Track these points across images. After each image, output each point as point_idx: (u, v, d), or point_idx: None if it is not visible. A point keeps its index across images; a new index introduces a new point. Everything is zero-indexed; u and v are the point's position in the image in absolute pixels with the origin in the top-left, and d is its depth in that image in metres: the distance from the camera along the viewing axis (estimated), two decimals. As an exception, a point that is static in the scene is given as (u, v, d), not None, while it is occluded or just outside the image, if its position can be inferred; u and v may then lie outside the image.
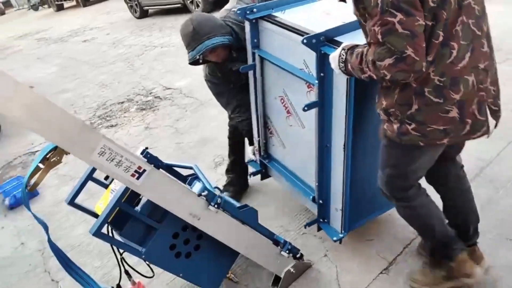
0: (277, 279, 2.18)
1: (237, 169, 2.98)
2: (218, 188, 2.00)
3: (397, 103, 1.52)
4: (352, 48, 1.54)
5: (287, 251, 2.09)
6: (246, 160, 2.88)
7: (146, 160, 1.77)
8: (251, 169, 2.80)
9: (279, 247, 2.09)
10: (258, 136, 2.56)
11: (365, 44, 1.49)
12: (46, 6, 20.18)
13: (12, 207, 3.76)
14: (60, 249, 1.86)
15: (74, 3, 18.07)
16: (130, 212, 1.76)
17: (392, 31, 1.33)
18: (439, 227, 1.82)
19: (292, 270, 2.17)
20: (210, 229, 1.86)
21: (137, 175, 1.60)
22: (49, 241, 1.79)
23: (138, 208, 1.78)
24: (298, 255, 2.16)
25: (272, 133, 2.48)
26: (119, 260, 1.98)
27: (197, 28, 2.25)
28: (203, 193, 1.76)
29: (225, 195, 1.97)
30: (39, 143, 4.99)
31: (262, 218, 2.08)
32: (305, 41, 1.71)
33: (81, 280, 1.90)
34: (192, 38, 2.26)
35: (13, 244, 3.31)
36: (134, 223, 1.80)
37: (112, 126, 4.99)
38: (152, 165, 1.65)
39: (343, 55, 1.56)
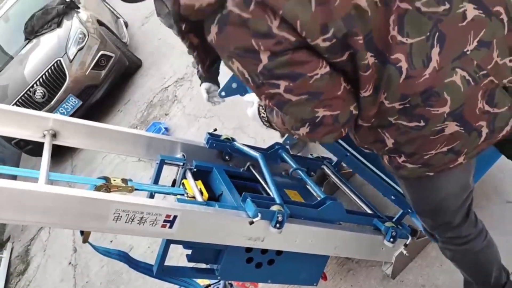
0: (390, 259, 1.83)
1: None
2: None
3: (364, 142, 1.09)
4: None
5: (390, 240, 1.68)
6: None
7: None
8: None
9: (381, 235, 1.70)
10: None
11: None
12: None
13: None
14: (149, 265, 1.84)
15: None
16: (188, 245, 1.59)
17: (284, 102, 1.00)
18: (496, 272, 1.42)
19: (405, 252, 1.77)
20: (280, 246, 1.58)
21: (168, 224, 1.38)
22: (133, 267, 1.77)
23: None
24: (408, 240, 1.73)
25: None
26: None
27: None
28: (255, 219, 1.45)
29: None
30: (170, 76, 5.13)
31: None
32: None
33: (182, 283, 1.90)
34: None
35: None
36: (199, 248, 1.64)
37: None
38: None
39: (263, 113, 1.20)
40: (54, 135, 1.72)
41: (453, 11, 0.99)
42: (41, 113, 1.72)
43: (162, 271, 1.59)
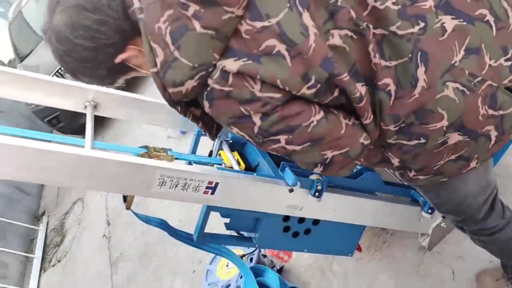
0: (426, 231, 1.83)
1: None
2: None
3: (370, 163, 1.10)
4: None
5: (428, 211, 1.67)
6: None
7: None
8: None
9: (419, 206, 1.69)
10: None
11: None
12: None
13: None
14: (187, 233, 1.89)
15: None
16: (227, 212, 1.62)
17: (289, 153, 1.03)
18: None
19: (442, 224, 1.76)
20: (318, 215, 1.59)
21: (210, 191, 1.41)
22: (171, 234, 1.82)
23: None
24: (446, 211, 1.72)
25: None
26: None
27: None
28: (295, 187, 1.47)
29: None
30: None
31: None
32: None
33: (218, 252, 1.95)
34: None
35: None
36: (237, 216, 1.67)
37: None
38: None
39: None
40: (95, 106, 1.77)
41: (429, 28, 0.97)
42: (82, 84, 1.75)
43: (202, 238, 1.63)
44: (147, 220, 1.76)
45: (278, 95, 0.96)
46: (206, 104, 1.02)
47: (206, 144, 2.01)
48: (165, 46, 0.95)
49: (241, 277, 2.18)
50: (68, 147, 1.25)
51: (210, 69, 0.95)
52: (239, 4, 0.91)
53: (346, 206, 1.60)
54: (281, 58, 0.93)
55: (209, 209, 1.57)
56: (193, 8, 0.92)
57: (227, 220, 1.68)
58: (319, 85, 0.95)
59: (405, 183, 1.21)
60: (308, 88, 0.95)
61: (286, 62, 0.93)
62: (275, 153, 1.10)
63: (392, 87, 0.99)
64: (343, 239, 1.82)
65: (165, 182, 1.34)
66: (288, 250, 1.86)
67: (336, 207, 1.59)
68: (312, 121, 0.99)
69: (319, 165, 1.08)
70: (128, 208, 1.66)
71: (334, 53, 0.96)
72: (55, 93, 1.71)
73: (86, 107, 1.75)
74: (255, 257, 2.23)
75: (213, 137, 1.28)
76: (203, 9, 0.92)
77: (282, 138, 1.01)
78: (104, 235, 4.04)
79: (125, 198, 1.69)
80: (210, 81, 0.97)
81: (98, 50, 1.04)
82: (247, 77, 0.94)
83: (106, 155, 1.27)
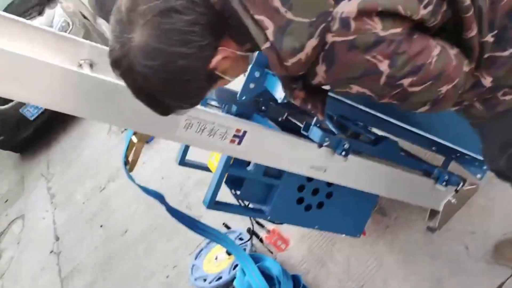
0: (434, 211, 1.79)
1: None
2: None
3: (463, 92, 1.06)
4: None
5: (443, 184, 1.65)
6: None
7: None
8: None
9: (432, 179, 1.66)
10: None
11: None
12: None
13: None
14: (184, 213, 1.72)
15: None
16: (242, 176, 1.49)
17: (408, 95, 0.99)
18: None
19: (453, 200, 1.74)
20: (340, 179, 1.51)
21: (237, 140, 1.29)
22: (168, 210, 1.65)
23: (251, 167, 1.50)
24: (460, 186, 1.70)
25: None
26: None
27: None
28: (324, 144, 1.38)
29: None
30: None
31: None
32: None
33: (213, 237, 1.79)
34: None
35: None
36: (251, 183, 1.54)
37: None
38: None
39: None
40: (91, 65, 1.60)
41: None
42: (78, 39, 1.59)
43: (214, 205, 1.48)
44: (146, 190, 1.58)
45: (399, 29, 0.90)
46: (321, 69, 0.93)
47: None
48: (274, 12, 0.87)
49: (235, 267, 2.01)
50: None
51: (329, 19, 0.88)
52: None
53: (366, 172, 1.54)
54: None
55: (225, 171, 1.44)
56: None
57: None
58: (434, 1, 0.92)
59: (479, 117, 1.14)
60: (424, 7, 0.91)
61: None
62: (387, 101, 1.02)
63: None
64: (352, 218, 1.75)
65: (192, 124, 1.21)
66: (299, 225, 1.73)
67: (357, 172, 1.52)
68: (433, 57, 0.95)
69: (428, 103, 1.02)
70: (130, 170, 1.50)
71: None
72: (47, 44, 1.53)
73: (81, 65, 1.58)
74: (247, 249, 2.07)
75: (323, 114, 1.18)
76: None
77: (407, 81, 0.95)
78: (52, 251, 3.62)
79: (126, 163, 1.53)
80: (329, 36, 0.89)
81: (195, 56, 0.91)
82: (367, 17, 0.88)
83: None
